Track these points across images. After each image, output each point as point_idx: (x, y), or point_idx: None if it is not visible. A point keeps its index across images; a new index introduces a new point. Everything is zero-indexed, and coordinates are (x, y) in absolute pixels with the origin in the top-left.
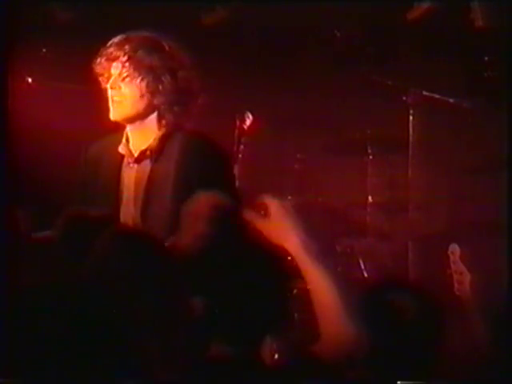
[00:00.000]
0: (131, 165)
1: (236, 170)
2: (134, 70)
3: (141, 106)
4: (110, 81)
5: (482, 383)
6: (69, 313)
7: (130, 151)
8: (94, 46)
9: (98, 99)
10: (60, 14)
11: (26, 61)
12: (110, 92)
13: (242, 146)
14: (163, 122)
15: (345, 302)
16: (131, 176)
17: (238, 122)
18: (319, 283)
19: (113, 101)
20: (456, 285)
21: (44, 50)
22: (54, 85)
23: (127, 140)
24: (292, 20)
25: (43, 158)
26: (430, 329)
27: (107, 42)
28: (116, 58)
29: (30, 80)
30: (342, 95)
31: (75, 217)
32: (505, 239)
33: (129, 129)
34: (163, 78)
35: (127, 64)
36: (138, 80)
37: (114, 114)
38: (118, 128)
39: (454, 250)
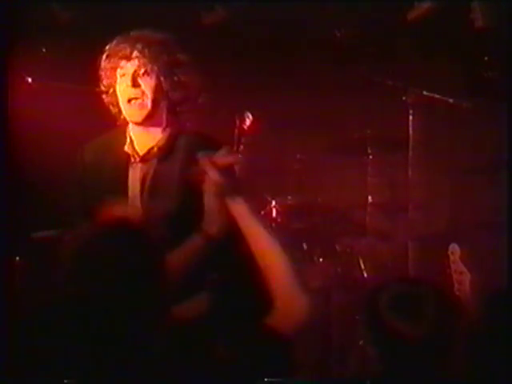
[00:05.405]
0: (136, 164)
1: (236, 170)
2: (153, 66)
3: (159, 103)
4: (127, 78)
5: (482, 383)
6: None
7: (136, 151)
8: (94, 45)
9: (98, 99)
10: (60, 13)
11: (26, 61)
12: (126, 91)
13: (241, 146)
14: (168, 121)
15: (294, 270)
16: (137, 175)
17: (237, 122)
18: (268, 247)
19: (129, 100)
20: (456, 285)
21: (44, 50)
22: (53, 85)
23: (131, 140)
24: (292, 20)
25: (43, 157)
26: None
27: (107, 42)
28: (128, 56)
29: (29, 80)
30: (342, 95)
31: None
32: (505, 239)
33: (132, 129)
34: (175, 77)
35: (145, 61)
36: (157, 77)
37: (133, 115)
38: (116, 127)
39: (454, 250)
